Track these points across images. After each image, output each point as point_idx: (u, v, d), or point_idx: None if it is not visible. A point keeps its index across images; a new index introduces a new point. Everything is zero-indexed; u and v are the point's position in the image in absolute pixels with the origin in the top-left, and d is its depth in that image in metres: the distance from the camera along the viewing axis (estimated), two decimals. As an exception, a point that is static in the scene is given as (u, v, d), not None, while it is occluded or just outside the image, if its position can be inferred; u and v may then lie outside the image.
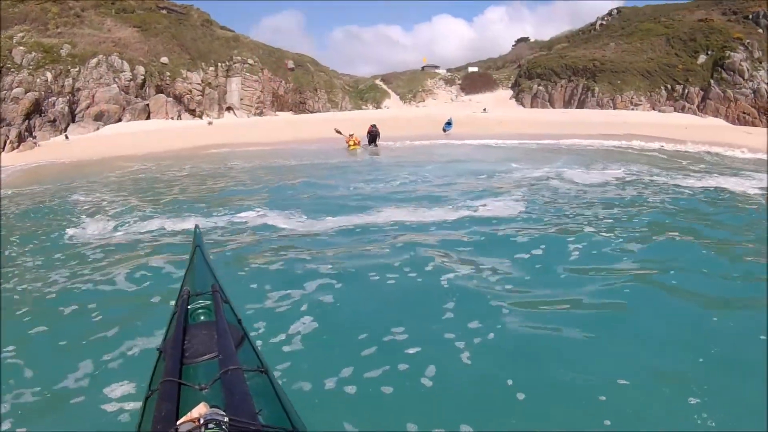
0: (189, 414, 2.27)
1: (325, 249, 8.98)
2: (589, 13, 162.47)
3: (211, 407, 2.29)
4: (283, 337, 5.58)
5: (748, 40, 64.59)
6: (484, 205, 12.12)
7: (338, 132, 31.79)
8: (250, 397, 2.44)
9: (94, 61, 52.59)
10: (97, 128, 50.46)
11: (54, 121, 46.95)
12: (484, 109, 73.14)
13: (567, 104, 76.04)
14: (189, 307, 3.61)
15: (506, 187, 15.29)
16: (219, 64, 66.36)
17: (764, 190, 15.36)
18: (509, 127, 46.57)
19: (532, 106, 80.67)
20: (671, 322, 5.98)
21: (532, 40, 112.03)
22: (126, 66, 55.15)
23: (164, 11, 68.41)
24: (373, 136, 32.99)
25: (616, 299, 6.71)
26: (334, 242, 9.52)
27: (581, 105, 73.01)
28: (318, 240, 9.57)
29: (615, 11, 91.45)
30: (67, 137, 46.19)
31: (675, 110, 66.12)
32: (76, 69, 50.90)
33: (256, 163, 25.21)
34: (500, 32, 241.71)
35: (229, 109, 66.00)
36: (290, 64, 76.15)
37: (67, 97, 49.04)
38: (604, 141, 35.22)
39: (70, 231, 11.32)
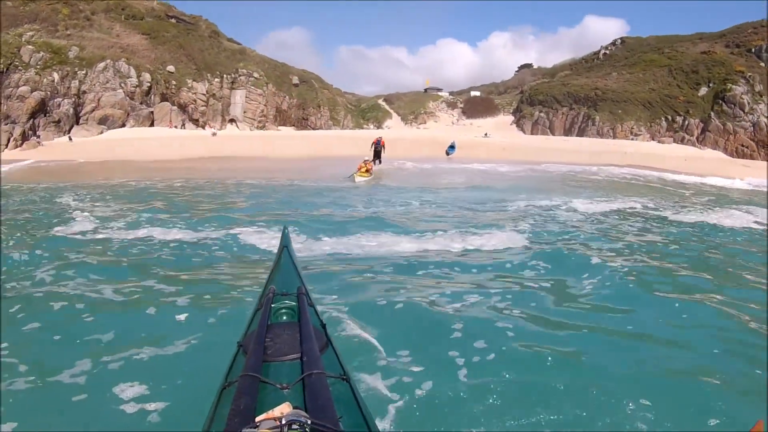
0: (270, 412, 2.27)
1: (332, 274, 8.67)
2: (593, 43, 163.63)
3: (294, 408, 2.29)
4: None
5: (749, 74, 65.38)
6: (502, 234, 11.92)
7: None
8: (333, 404, 2.41)
9: (101, 65, 52.87)
10: (101, 132, 50.57)
11: (59, 121, 47.12)
12: (486, 134, 73.46)
13: (567, 132, 76.55)
14: (272, 305, 3.63)
15: (517, 215, 15.07)
16: (224, 75, 66.71)
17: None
18: (512, 153, 46.77)
19: (532, 133, 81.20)
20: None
21: (535, 66, 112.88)
22: (133, 72, 55.46)
23: (173, 20, 68.95)
24: (377, 151, 31.34)
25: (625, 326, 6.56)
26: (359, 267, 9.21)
27: (581, 133, 73.49)
28: (321, 266, 9.13)
29: (619, 41, 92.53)
30: (70, 139, 46.34)
31: (674, 141, 66.70)
32: (83, 72, 51.17)
33: (261, 179, 24.32)
34: (504, 58, 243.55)
35: (232, 121, 66.22)
36: (295, 79, 76.53)
37: (73, 99, 49.28)
38: (604, 168, 35.37)
39: (59, 230, 11.30)
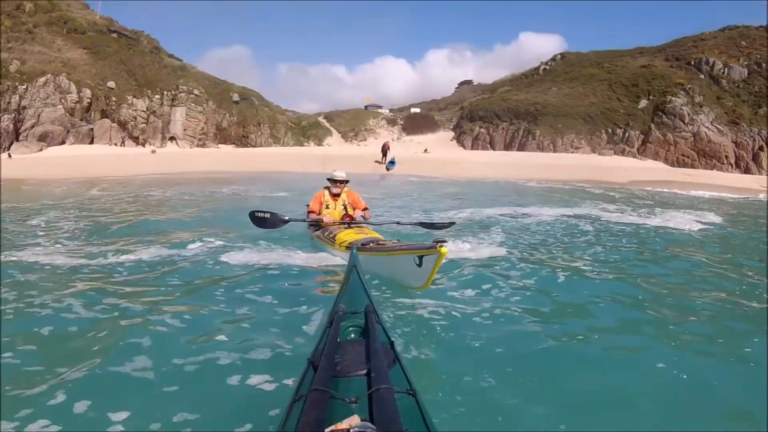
0: (338, 424, 2.35)
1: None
2: (531, 60, 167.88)
3: (362, 420, 2.39)
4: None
5: (689, 86, 69.17)
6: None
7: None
8: (399, 417, 2.49)
9: (42, 80, 53.20)
10: (41, 149, 50.65)
11: (-2, 137, 46.40)
12: (425, 150, 74.61)
13: (508, 147, 78.48)
14: (342, 323, 3.83)
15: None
16: (165, 92, 67.50)
17: None
18: (452, 168, 47.31)
19: (473, 148, 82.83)
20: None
21: (475, 83, 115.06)
22: (73, 88, 55.80)
23: (115, 35, 69.50)
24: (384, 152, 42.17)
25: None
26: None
27: (522, 147, 75.36)
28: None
29: (559, 56, 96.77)
30: (10, 156, 45.76)
31: (615, 153, 69.27)
32: (24, 87, 50.61)
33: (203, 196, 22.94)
34: (442, 74, 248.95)
35: (172, 138, 66.19)
36: (235, 96, 76.83)
37: (13, 115, 48.68)
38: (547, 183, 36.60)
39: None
